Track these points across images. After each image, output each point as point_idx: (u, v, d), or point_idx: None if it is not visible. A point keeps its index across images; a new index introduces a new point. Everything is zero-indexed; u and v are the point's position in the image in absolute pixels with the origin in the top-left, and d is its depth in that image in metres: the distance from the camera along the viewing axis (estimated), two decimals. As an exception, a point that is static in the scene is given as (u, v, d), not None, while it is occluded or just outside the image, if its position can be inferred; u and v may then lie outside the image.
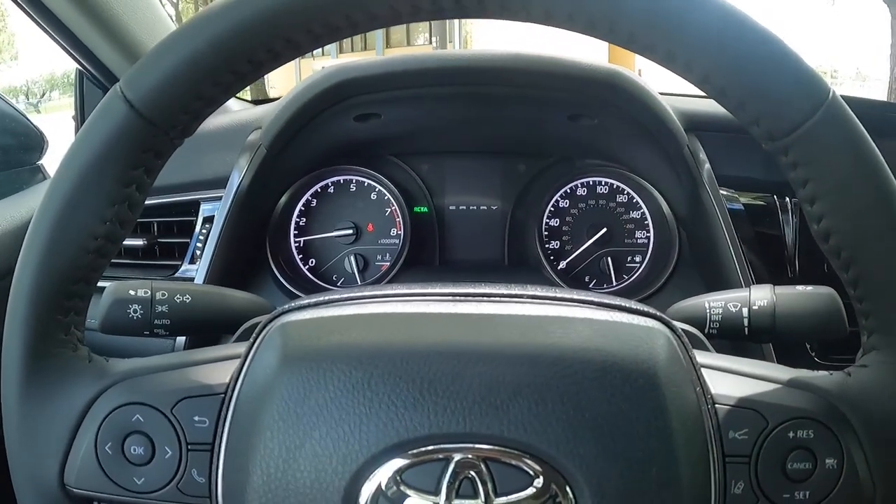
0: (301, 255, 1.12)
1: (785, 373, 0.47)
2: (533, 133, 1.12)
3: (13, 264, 0.91)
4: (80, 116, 1.20)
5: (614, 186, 1.13)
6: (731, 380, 0.46)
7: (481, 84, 0.99)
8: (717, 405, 0.44)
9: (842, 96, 0.41)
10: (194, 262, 1.01)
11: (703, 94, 0.43)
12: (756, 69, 0.40)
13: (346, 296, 0.48)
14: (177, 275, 1.03)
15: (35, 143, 1.21)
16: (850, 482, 0.43)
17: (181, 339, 0.92)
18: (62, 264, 0.44)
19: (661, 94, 1.00)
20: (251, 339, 0.46)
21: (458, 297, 0.47)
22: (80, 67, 1.15)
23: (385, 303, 0.47)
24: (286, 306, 0.48)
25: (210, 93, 0.43)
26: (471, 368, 0.41)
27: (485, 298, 0.47)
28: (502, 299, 0.47)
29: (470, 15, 0.42)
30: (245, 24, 0.40)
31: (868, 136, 0.41)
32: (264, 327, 0.46)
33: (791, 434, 0.44)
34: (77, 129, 1.20)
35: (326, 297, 0.48)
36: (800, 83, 0.40)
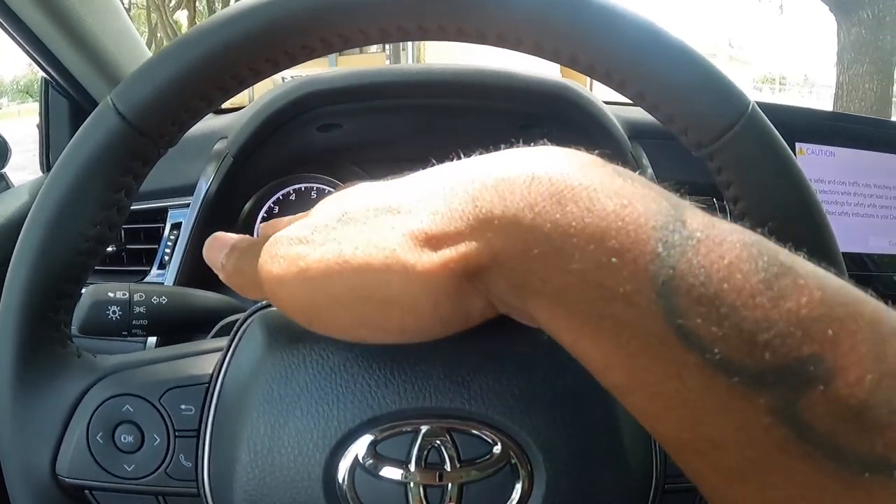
0: (265, 260, 1.14)
1: None
2: (486, 142, 1.14)
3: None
4: (45, 123, 1.20)
5: None
6: None
7: (437, 96, 1.03)
8: None
9: (770, 104, 0.46)
10: (163, 268, 1.03)
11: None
12: (683, 86, 0.44)
13: None
14: (146, 280, 1.04)
15: (-2, 151, 1.22)
16: None
17: (151, 342, 0.93)
18: (55, 264, 0.45)
19: (606, 102, 1.05)
20: (233, 332, 0.48)
21: None
22: (45, 76, 1.16)
23: None
24: (263, 302, 0.50)
25: (196, 106, 0.45)
26: (435, 350, 0.44)
27: None
28: None
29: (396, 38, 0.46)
30: (229, 45, 0.43)
31: (784, 141, 0.45)
32: (245, 320, 0.49)
33: None
34: (41, 137, 1.21)
35: None
36: (722, 97, 0.44)
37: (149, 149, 0.46)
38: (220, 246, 0.45)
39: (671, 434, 0.30)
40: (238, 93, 0.48)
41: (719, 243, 0.28)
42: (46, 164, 1.22)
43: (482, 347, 0.44)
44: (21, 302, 0.46)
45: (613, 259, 0.28)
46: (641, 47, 0.44)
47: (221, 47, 0.43)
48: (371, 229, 0.34)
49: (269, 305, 0.50)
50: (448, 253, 0.32)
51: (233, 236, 0.45)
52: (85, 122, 0.45)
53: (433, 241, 0.32)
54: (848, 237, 1.06)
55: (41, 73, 1.15)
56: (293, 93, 0.98)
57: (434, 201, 0.34)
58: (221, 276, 0.45)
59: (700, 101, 0.44)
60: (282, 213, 1.15)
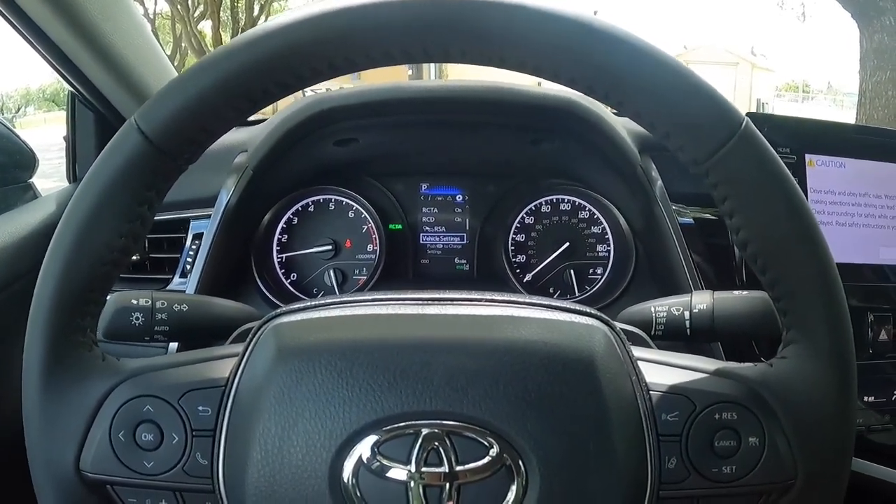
0: (283, 270, 1.17)
1: (713, 364, 0.52)
2: (499, 156, 1.18)
3: (10, 279, 0.94)
4: (72, 135, 1.23)
5: (576, 204, 1.19)
6: (664, 370, 0.51)
7: (450, 112, 1.06)
8: (650, 391, 0.49)
9: (780, 116, 0.46)
10: (185, 276, 1.05)
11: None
12: (678, 106, 0.45)
13: (329, 301, 0.53)
14: (168, 288, 1.07)
15: (27, 161, 1.23)
16: (771, 457, 0.48)
17: (172, 347, 0.96)
18: (82, 273, 0.48)
19: (616, 114, 1.07)
20: (248, 339, 0.51)
21: (425, 301, 0.52)
22: (71, 90, 1.19)
23: (364, 306, 0.52)
24: (277, 311, 0.53)
25: (214, 126, 0.48)
26: (436, 358, 0.46)
27: (448, 302, 0.52)
28: (463, 303, 0.52)
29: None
30: (243, 69, 0.45)
31: (777, 156, 0.46)
32: (259, 329, 0.51)
33: (717, 416, 0.48)
34: (68, 149, 1.24)
35: (313, 302, 0.53)
36: (715, 115, 0.45)
37: (170, 166, 0.49)
38: None
39: None
40: (253, 114, 0.50)
41: None
42: (73, 175, 1.25)
43: (481, 356, 0.47)
44: (49, 309, 0.48)
45: None
46: (635, 66, 0.45)
47: (235, 72, 0.46)
48: None
49: (286, 312, 0.53)
50: None
51: None
52: (110, 141, 0.48)
53: None
54: (858, 248, 1.05)
55: (68, 87, 1.18)
56: (311, 108, 1.01)
57: None
58: None
59: (693, 118, 0.45)
60: (301, 225, 1.18)
